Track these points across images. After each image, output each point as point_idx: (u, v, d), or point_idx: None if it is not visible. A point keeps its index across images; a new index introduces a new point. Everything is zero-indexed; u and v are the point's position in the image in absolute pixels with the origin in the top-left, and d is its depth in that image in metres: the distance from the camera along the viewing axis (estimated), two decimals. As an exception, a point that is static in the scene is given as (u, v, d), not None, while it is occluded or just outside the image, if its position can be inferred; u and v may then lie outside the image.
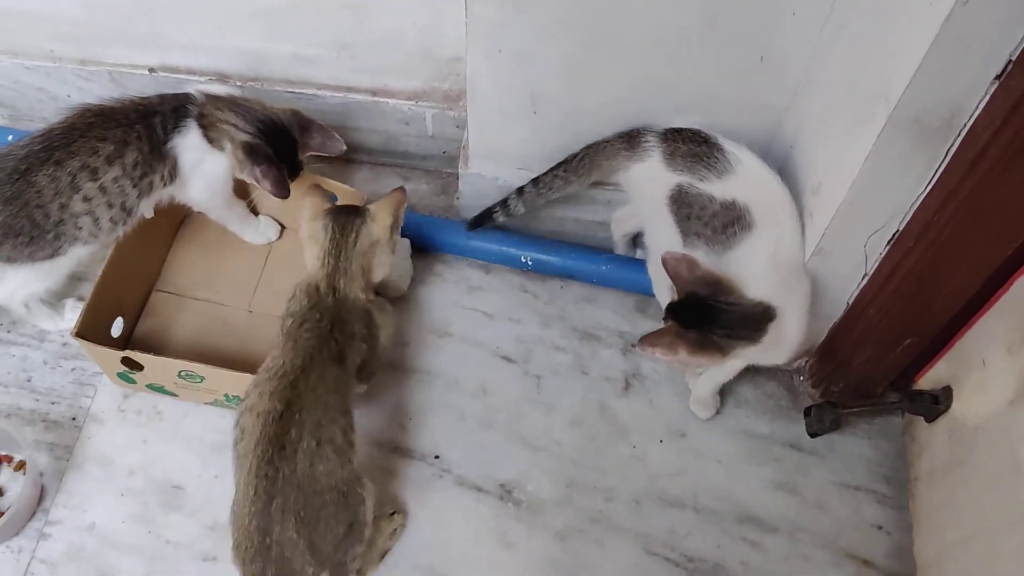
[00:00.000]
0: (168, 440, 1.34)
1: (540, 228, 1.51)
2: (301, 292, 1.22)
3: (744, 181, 1.18)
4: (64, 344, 1.43)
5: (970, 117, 0.91)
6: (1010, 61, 0.84)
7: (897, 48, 0.92)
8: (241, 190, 1.43)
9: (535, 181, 1.35)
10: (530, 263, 1.50)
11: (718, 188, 1.18)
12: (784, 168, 1.29)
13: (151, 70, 1.51)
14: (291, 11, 1.37)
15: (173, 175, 1.29)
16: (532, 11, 1.13)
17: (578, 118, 1.29)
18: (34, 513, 1.28)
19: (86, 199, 1.21)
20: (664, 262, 1.15)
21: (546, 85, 1.24)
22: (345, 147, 1.33)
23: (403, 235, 1.51)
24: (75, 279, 1.41)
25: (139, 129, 1.23)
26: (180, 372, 1.26)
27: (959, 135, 0.93)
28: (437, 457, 1.34)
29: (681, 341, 1.11)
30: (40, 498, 1.29)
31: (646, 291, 1.46)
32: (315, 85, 1.49)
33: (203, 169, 1.31)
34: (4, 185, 1.18)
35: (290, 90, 1.49)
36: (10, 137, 1.63)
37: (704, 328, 1.12)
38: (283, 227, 1.52)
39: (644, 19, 1.12)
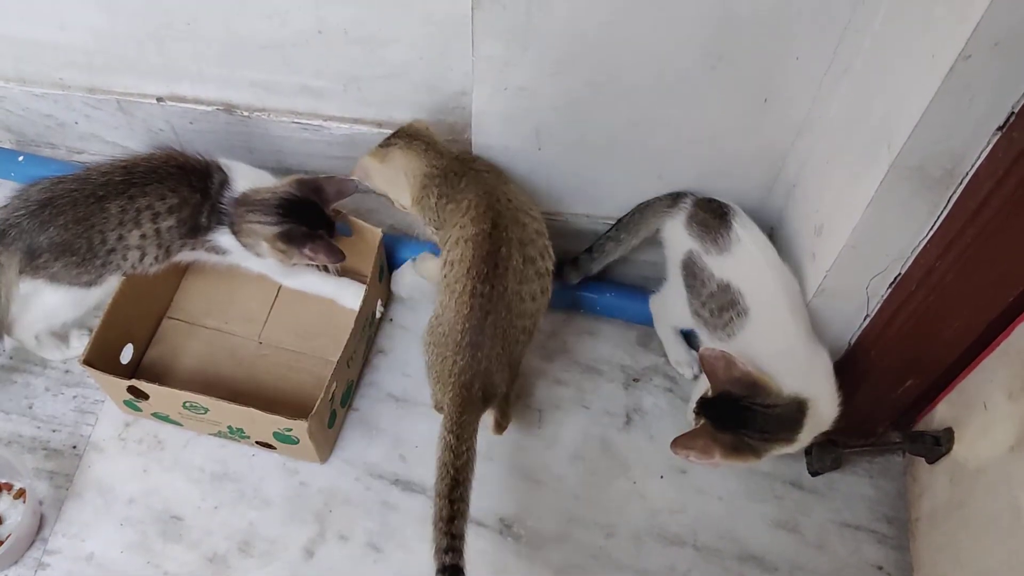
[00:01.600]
0: (168, 470, 1.34)
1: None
2: None
3: (737, 262, 1.20)
4: (66, 371, 1.43)
5: (972, 167, 0.92)
6: (1012, 113, 0.85)
7: (900, 97, 0.92)
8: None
9: (589, 249, 1.38)
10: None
11: (717, 265, 1.21)
12: (786, 207, 1.30)
13: (159, 99, 1.52)
14: (301, 44, 1.37)
15: (223, 253, 1.35)
16: (537, 51, 1.14)
17: (583, 153, 1.30)
18: (33, 542, 1.28)
19: (144, 236, 1.27)
20: (702, 358, 1.15)
21: (551, 121, 1.25)
22: (359, 185, 1.35)
23: (405, 258, 1.53)
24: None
25: (198, 199, 1.30)
26: (184, 403, 1.27)
27: (961, 184, 0.94)
28: (437, 490, 1.34)
29: (717, 445, 1.10)
30: (39, 527, 1.29)
31: (649, 322, 1.46)
32: (322, 116, 1.50)
33: (253, 263, 1.36)
34: (80, 206, 1.24)
35: (296, 120, 1.50)
36: (20, 158, 1.65)
37: (739, 430, 1.11)
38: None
39: (647, 59, 1.13)
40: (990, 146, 0.89)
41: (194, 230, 1.31)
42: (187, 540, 1.28)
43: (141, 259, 1.30)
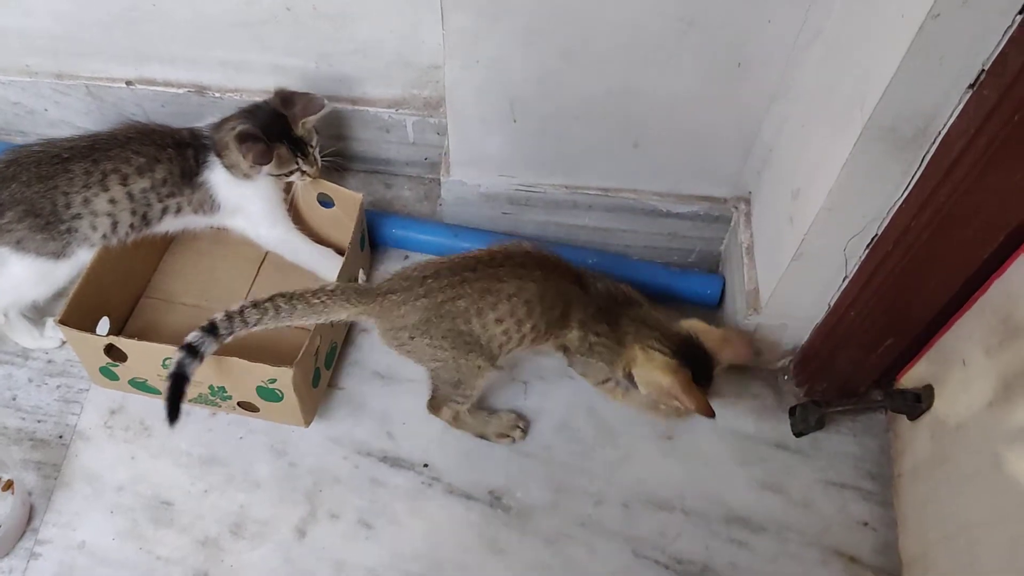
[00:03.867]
0: (156, 455, 1.34)
1: (522, 233, 1.52)
2: None
3: None
4: (49, 361, 1.43)
5: (944, 125, 0.92)
6: (983, 71, 0.85)
7: (871, 59, 0.92)
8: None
9: None
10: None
11: None
12: (763, 171, 1.30)
13: (128, 83, 1.50)
14: (270, 22, 1.36)
15: (213, 207, 1.36)
16: (508, 21, 1.13)
17: (558, 124, 1.29)
18: (24, 533, 1.28)
19: (112, 201, 1.28)
20: None
21: (525, 93, 1.24)
22: (326, 101, 1.35)
23: (389, 235, 1.53)
24: (58, 295, 1.40)
25: (170, 152, 1.31)
26: (165, 360, 1.25)
27: (934, 143, 0.94)
28: (426, 465, 1.35)
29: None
30: (29, 518, 1.29)
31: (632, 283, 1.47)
32: (295, 94, 1.48)
33: (254, 208, 1.38)
34: (44, 165, 1.26)
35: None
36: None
37: None
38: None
39: (620, 26, 1.12)
40: (961, 104, 0.89)
41: (185, 176, 1.32)
42: (178, 525, 1.29)
43: (114, 228, 1.30)
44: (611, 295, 1.23)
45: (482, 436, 1.35)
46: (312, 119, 1.34)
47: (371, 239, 1.52)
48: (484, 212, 1.49)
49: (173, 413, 1.18)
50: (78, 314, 1.29)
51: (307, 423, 1.36)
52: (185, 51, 1.44)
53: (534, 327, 1.19)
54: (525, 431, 1.37)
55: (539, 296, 1.17)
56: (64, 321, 1.26)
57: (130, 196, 1.29)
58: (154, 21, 1.38)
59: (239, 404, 1.33)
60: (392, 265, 1.54)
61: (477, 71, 1.20)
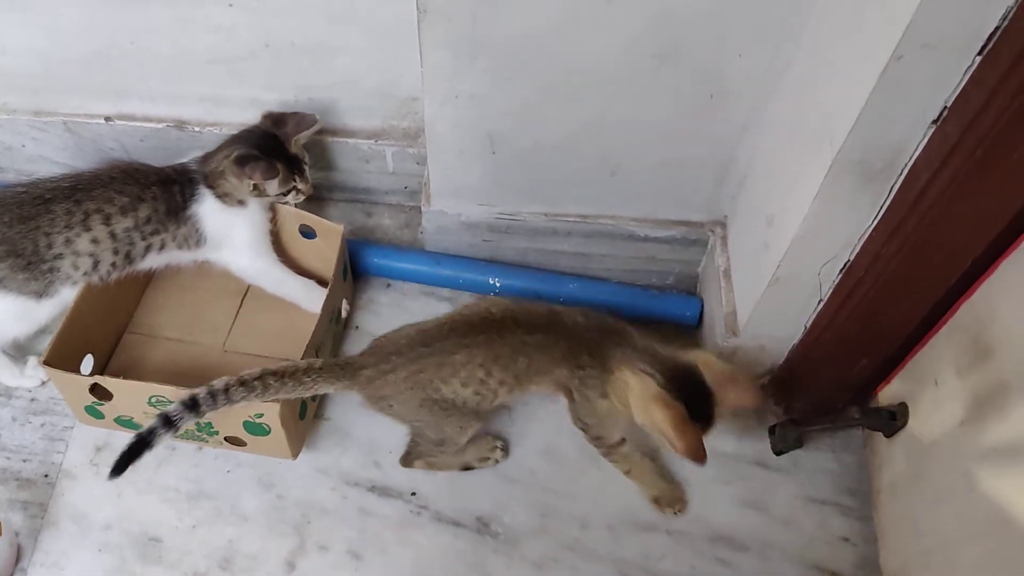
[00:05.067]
0: (142, 492, 1.35)
1: (503, 259, 1.54)
2: None
3: None
4: (32, 400, 1.43)
5: (910, 158, 0.95)
6: (945, 107, 0.88)
7: (839, 94, 0.95)
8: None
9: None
10: (498, 285, 1.53)
11: None
12: (738, 197, 1.33)
13: (107, 119, 1.51)
14: (249, 58, 1.37)
15: (199, 241, 1.36)
16: (485, 58, 1.15)
17: (537, 155, 1.31)
18: (12, 574, 1.27)
19: (95, 241, 1.29)
20: None
21: (503, 126, 1.26)
22: (318, 118, 1.38)
23: (371, 265, 1.54)
24: (40, 332, 1.40)
25: (155, 191, 1.32)
26: (151, 398, 1.26)
27: (901, 175, 0.97)
28: (414, 494, 1.36)
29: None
30: (17, 558, 1.28)
31: (612, 308, 1.48)
32: (274, 127, 1.50)
33: (240, 238, 1.39)
34: (25, 205, 1.27)
35: (249, 133, 1.50)
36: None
37: None
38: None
39: (596, 62, 1.14)
40: (926, 139, 0.92)
41: (171, 212, 1.33)
42: (167, 561, 1.29)
43: (95, 267, 1.31)
44: (594, 327, 1.22)
45: (465, 467, 1.37)
46: (305, 135, 1.37)
47: (353, 269, 1.53)
48: (465, 240, 1.51)
49: (119, 468, 1.15)
50: (62, 353, 1.29)
51: (294, 455, 1.36)
52: (164, 87, 1.45)
53: (502, 381, 1.20)
54: (506, 449, 1.39)
55: (492, 356, 1.18)
56: (48, 361, 1.26)
57: (112, 236, 1.29)
58: (133, 58, 1.39)
59: (226, 439, 1.34)
60: (375, 294, 1.55)
61: (455, 106, 1.22)
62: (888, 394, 1.31)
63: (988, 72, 0.82)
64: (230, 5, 1.28)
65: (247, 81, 1.42)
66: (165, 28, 1.33)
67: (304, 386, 1.19)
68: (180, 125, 1.50)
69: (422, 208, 1.46)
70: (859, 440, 1.40)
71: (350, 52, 1.37)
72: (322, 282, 1.47)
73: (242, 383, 1.16)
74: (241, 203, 1.36)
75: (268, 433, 1.29)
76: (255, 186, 1.34)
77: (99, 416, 1.35)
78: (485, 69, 1.16)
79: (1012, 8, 0.77)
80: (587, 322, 1.22)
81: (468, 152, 1.31)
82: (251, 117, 1.48)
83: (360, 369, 1.21)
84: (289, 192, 1.38)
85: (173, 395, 1.24)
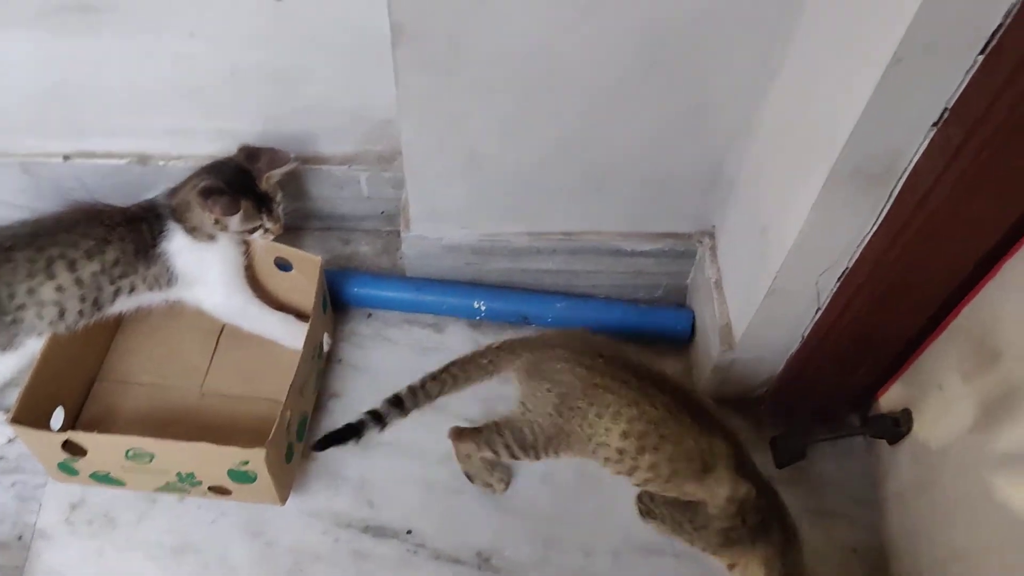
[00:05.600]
0: (123, 549, 1.28)
1: (487, 281, 1.49)
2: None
3: None
4: (0, 458, 1.35)
5: (910, 162, 0.92)
6: (946, 109, 0.86)
7: (836, 100, 0.92)
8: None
9: None
10: (483, 309, 1.48)
11: None
12: (727, 206, 1.31)
13: (66, 157, 1.44)
14: (214, 87, 1.32)
15: (170, 280, 1.30)
16: (463, 77, 1.11)
17: (519, 173, 1.27)
18: (-13, 646, 1.20)
19: (59, 289, 1.22)
20: None
21: (484, 145, 1.22)
22: (293, 155, 1.31)
23: (351, 294, 1.49)
24: (5, 386, 1.33)
25: (121, 231, 1.26)
26: (127, 452, 1.20)
27: (900, 179, 0.94)
28: (410, 532, 1.31)
29: None
30: (-8, 628, 1.21)
31: (602, 326, 1.45)
32: (243, 158, 1.44)
33: (212, 274, 1.32)
34: None
35: (217, 164, 1.44)
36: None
37: None
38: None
39: (578, 75, 1.11)
40: (927, 141, 0.89)
41: (139, 252, 1.27)
42: (154, 620, 1.23)
43: (61, 315, 1.24)
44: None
45: (469, 477, 1.33)
46: (278, 173, 1.30)
47: (333, 299, 1.48)
48: (447, 263, 1.46)
49: (324, 444, 1.26)
50: (30, 408, 1.22)
51: (283, 500, 1.31)
52: (125, 122, 1.39)
53: (652, 466, 1.10)
54: (507, 484, 1.34)
55: (673, 438, 1.09)
56: (16, 419, 1.19)
57: (79, 282, 1.23)
58: (91, 94, 1.33)
59: (210, 488, 1.28)
60: (356, 325, 1.50)
61: (434, 127, 1.18)
62: (889, 400, 1.29)
63: (991, 72, 0.79)
64: (191, 35, 1.23)
65: (212, 112, 1.37)
66: (123, 61, 1.27)
67: (485, 369, 1.22)
68: (144, 160, 1.44)
69: (401, 233, 1.42)
70: (861, 447, 1.38)
71: (319, 77, 1.32)
72: (301, 316, 1.42)
73: (433, 378, 1.23)
74: (211, 237, 1.30)
75: (254, 480, 1.23)
76: (217, 220, 1.27)
77: (73, 472, 1.28)
78: (463, 88, 1.12)
79: (1016, 6, 0.75)
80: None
81: (448, 174, 1.27)
82: (218, 149, 1.42)
83: (555, 347, 1.18)
84: (256, 230, 1.31)
85: (151, 447, 1.19)
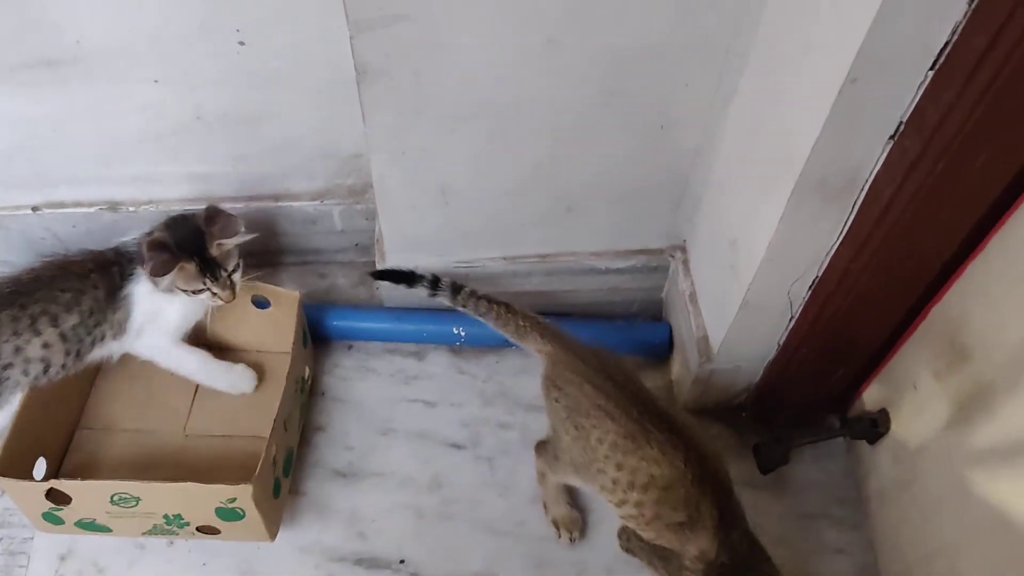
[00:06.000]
0: (117, 600, 1.27)
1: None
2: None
3: None
4: (-15, 514, 1.34)
5: (871, 174, 0.95)
6: (901, 122, 0.88)
7: (793, 119, 0.95)
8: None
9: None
10: (463, 334, 1.49)
11: None
12: (695, 221, 1.33)
13: (34, 208, 1.44)
14: (181, 132, 1.32)
15: (123, 327, 1.28)
16: (431, 112, 1.12)
17: (491, 201, 1.29)
18: None
19: (46, 345, 1.21)
20: None
21: (454, 176, 1.24)
22: (243, 228, 1.27)
23: (330, 327, 1.49)
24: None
25: (94, 278, 1.25)
26: (112, 496, 1.19)
27: (862, 191, 0.97)
28: (403, 562, 1.31)
29: None
30: None
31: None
32: (213, 199, 1.43)
33: (160, 320, 1.30)
34: None
35: (188, 208, 1.43)
36: None
37: None
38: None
39: (544, 104, 1.12)
40: (884, 154, 0.92)
41: (110, 295, 1.26)
42: (151, 670, 1.22)
43: (45, 370, 1.24)
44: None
45: (545, 507, 1.33)
46: (229, 243, 1.27)
47: (313, 333, 1.48)
48: (423, 291, 1.47)
49: (382, 276, 1.34)
50: (12, 461, 1.22)
51: (272, 536, 1.30)
52: (93, 171, 1.38)
53: (638, 503, 1.07)
54: (573, 540, 1.32)
55: (662, 483, 1.05)
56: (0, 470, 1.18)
57: (63, 336, 1.22)
58: (57, 146, 1.33)
59: (198, 529, 1.27)
60: (338, 358, 1.50)
61: (404, 161, 1.19)
62: (866, 401, 1.31)
63: (942, 85, 0.82)
64: (155, 81, 1.23)
65: (180, 156, 1.37)
66: (89, 111, 1.27)
67: (518, 329, 1.23)
68: (114, 207, 1.44)
69: (377, 265, 1.43)
70: (842, 448, 1.40)
71: (285, 116, 1.33)
72: (282, 352, 1.42)
73: (488, 300, 1.26)
74: (168, 289, 1.27)
75: (243, 517, 1.23)
76: (150, 273, 1.24)
77: (59, 522, 1.27)
78: (431, 122, 1.13)
79: (960, 23, 0.78)
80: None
81: (420, 205, 1.28)
82: (187, 192, 1.44)
83: (559, 347, 1.20)
84: (200, 292, 1.28)
85: (136, 490, 1.18)
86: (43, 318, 1.21)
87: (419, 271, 1.31)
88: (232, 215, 1.28)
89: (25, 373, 1.22)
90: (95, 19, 1.13)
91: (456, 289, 1.28)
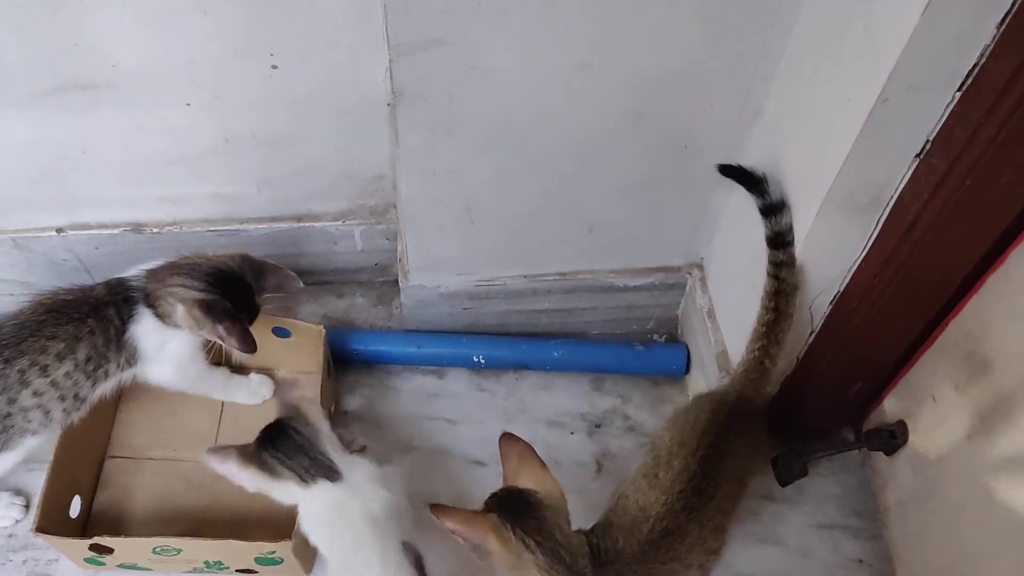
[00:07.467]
0: (146, 621, 1.27)
1: (484, 324, 1.53)
2: None
3: None
4: (10, 536, 1.34)
5: (896, 191, 0.98)
6: (928, 140, 0.92)
7: (822, 138, 0.98)
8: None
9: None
10: (482, 361, 1.51)
11: None
12: (714, 240, 1.36)
13: (59, 230, 1.45)
14: (208, 155, 1.34)
15: (133, 359, 1.25)
16: (462, 133, 1.15)
17: (515, 221, 1.32)
18: None
19: (36, 394, 1.17)
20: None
21: (482, 197, 1.26)
22: (302, 284, 1.28)
23: (351, 353, 1.50)
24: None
25: (91, 323, 1.19)
26: (155, 548, 1.20)
27: (887, 207, 1.00)
28: (429, 578, 1.32)
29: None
30: None
31: (599, 369, 1.50)
32: (237, 220, 1.46)
33: (169, 350, 1.26)
34: None
35: (212, 228, 1.46)
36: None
37: None
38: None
39: (571, 128, 1.16)
40: (910, 171, 0.96)
41: (109, 341, 1.20)
42: None
43: (47, 415, 1.19)
44: None
45: None
46: (279, 296, 1.26)
47: (333, 355, 1.49)
48: (445, 310, 1.49)
49: (730, 171, 1.17)
50: (49, 510, 1.21)
51: (308, 573, 1.31)
52: (119, 192, 1.40)
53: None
54: None
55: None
56: (41, 528, 1.18)
57: (54, 384, 1.17)
58: (85, 168, 1.34)
59: (237, 571, 1.28)
60: (360, 376, 1.51)
61: (434, 183, 1.22)
62: (883, 413, 1.34)
63: (970, 105, 0.86)
64: (187, 104, 1.25)
65: (206, 178, 1.39)
66: (118, 134, 1.29)
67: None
68: (138, 228, 1.45)
69: (400, 284, 1.45)
70: (857, 460, 1.43)
71: (312, 139, 1.35)
72: (303, 371, 1.43)
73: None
74: (177, 324, 1.24)
75: (280, 563, 1.24)
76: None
77: (100, 564, 1.28)
78: (462, 144, 1.16)
79: (989, 46, 0.81)
80: None
81: (446, 226, 1.31)
82: (212, 213, 1.45)
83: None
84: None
85: (178, 544, 1.20)
86: (32, 370, 1.15)
87: (757, 173, 1.13)
88: (284, 269, 1.27)
89: (27, 420, 1.18)
90: (134, 43, 1.14)
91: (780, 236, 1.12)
